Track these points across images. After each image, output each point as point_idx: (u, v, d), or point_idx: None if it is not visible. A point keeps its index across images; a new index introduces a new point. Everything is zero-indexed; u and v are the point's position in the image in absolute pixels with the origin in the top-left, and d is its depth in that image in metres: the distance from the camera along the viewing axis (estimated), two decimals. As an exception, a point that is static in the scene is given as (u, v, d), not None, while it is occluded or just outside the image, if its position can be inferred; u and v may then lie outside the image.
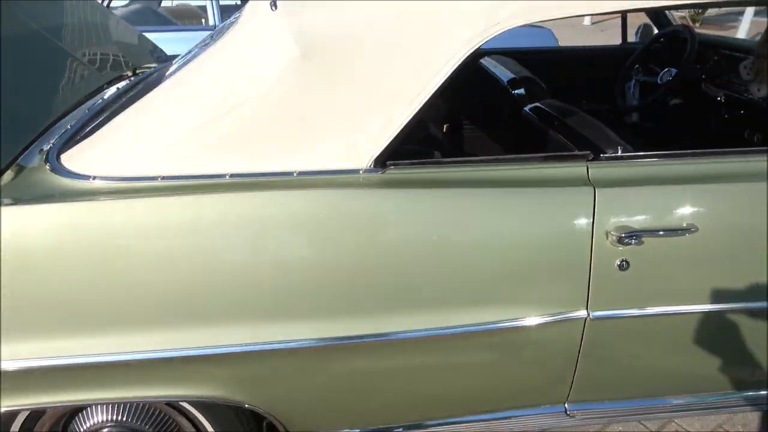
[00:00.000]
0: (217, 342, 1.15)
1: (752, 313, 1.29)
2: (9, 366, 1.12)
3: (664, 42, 2.57)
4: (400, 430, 1.38)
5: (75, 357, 1.13)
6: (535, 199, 1.19)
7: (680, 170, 1.25)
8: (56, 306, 1.11)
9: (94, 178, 1.16)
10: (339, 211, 1.15)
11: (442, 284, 1.19)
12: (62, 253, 1.09)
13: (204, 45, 1.51)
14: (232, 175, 1.17)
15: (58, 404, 1.23)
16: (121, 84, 1.83)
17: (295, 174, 1.17)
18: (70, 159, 1.22)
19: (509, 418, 1.40)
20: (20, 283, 1.09)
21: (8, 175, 1.21)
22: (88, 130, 1.36)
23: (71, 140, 1.32)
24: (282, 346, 1.17)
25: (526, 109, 1.88)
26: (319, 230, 1.14)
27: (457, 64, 1.16)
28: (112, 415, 1.37)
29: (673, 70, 2.52)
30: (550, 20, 1.16)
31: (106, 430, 1.38)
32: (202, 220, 1.11)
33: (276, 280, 1.14)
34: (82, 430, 1.37)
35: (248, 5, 1.40)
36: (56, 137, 1.37)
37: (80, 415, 1.37)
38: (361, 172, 1.18)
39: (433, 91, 1.16)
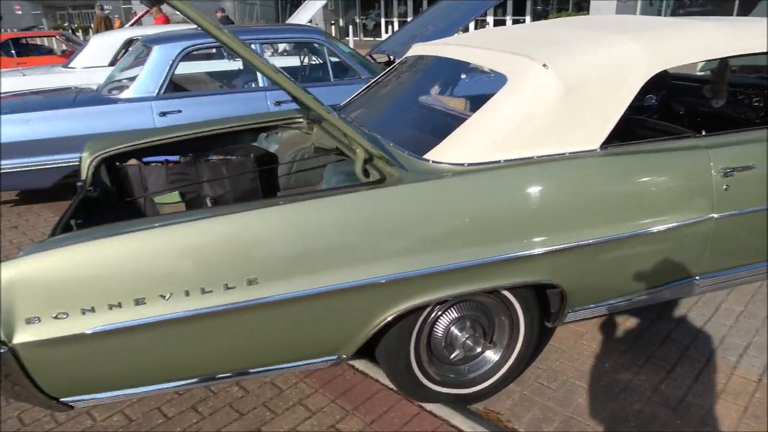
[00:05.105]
0: (551, 245, 2.09)
1: None
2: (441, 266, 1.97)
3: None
4: (631, 298, 2.38)
5: (474, 260, 2.01)
6: (679, 158, 2.29)
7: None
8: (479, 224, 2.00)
9: (468, 164, 2.08)
10: (590, 169, 2.16)
11: (647, 202, 2.23)
12: (471, 198, 2.00)
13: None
14: (538, 157, 2.14)
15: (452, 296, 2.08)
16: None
17: (567, 154, 2.18)
18: (439, 154, 2.12)
19: (663, 291, 2.44)
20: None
21: (405, 174, 2.07)
22: (419, 135, 2.27)
23: (411, 146, 2.22)
24: (584, 242, 2.13)
25: None
26: (581, 179, 2.14)
27: (635, 94, 2.24)
28: (455, 314, 2.23)
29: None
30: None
31: (455, 324, 2.24)
32: (544, 175, 2.08)
33: (572, 202, 2.12)
34: (440, 330, 2.23)
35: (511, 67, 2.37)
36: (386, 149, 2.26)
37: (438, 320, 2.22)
38: (597, 150, 2.21)
39: (626, 107, 2.24)
